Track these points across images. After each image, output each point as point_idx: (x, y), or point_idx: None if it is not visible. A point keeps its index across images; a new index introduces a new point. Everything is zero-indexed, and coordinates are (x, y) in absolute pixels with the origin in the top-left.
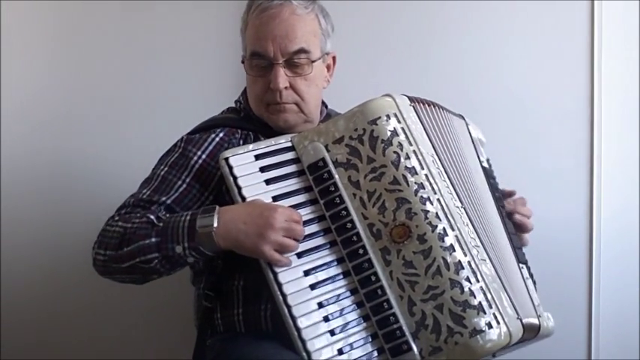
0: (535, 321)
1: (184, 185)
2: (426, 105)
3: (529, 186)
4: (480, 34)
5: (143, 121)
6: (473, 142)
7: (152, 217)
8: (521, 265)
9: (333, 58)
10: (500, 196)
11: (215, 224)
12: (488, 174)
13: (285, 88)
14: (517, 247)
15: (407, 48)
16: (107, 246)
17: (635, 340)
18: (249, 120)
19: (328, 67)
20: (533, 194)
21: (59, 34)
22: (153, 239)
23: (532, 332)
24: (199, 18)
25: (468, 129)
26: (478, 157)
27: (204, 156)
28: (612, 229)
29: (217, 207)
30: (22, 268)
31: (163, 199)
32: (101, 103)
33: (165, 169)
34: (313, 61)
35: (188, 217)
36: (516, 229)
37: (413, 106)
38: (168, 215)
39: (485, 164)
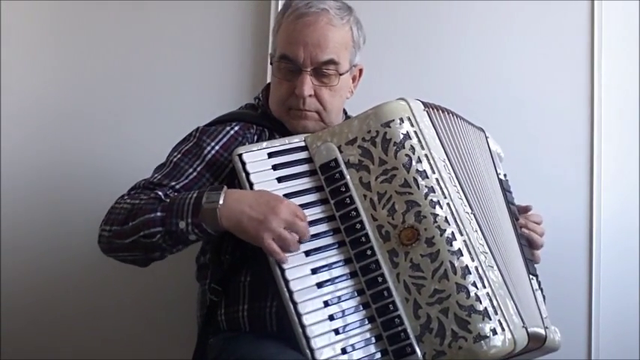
0: (542, 331)
1: (195, 173)
2: (440, 111)
3: (529, 186)
4: (480, 34)
5: (145, 122)
6: (491, 155)
7: (160, 193)
8: (531, 276)
9: (360, 70)
10: (515, 209)
11: (221, 201)
12: (504, 187)
13: (310, 95)
14: (528, 259)
15: (407, 49)
16: (113, 222)
17: (635, 340)
18: (266, 118)
19: (354, 78)
20: (533, 194)
21: (60, 34)
22: (158, 214)
23: (538, 342)
24: (203, 18)
25: (487, 142)
26: (495, 169)
27: (217, 147)
28: (612, 229)
29: (225, 187)
30: (22, 269)
31: (173, 183)
32: (103, 104)
33: (179, 156)
34: (341, 74)
35: (195, 194)
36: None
37: (427, 111)
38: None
39: (501, 177)
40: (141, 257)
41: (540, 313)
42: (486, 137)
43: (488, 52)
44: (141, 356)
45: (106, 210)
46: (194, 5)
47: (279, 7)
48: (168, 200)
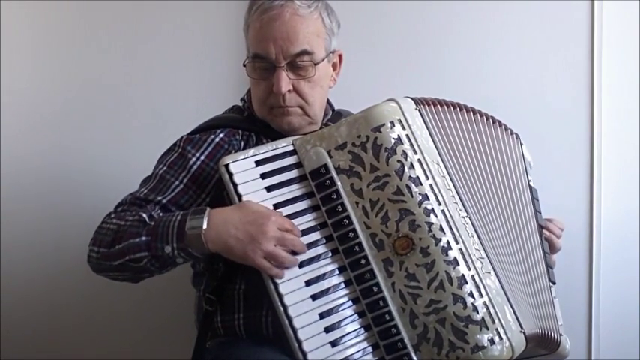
0: (556, 336)
1: (181, 186)
2: (432, 106)
3: None
4: (480, 33)
5: (144, 122)
6: (524, 161)
7: (144, 215)
8: (550, 283)
9: (340, 56)
10: (542, 218)
11: (204, 226)
12: (534, 195)
13: (289, 91)
14: (550, 267)
15: (407, 48)
16: (100, 243)
17: (635, 340)
18: (252, 120)
19: (335, 66)
20: None
21: (59, 34)
22: (143, 238)
23: (551, 348)
24: (201, 18)
25: (522, 149)
26: (527, 176)
27: (202, 157)
28: (612, 228)
29: (208, 209)
30: (22, 270)
31: (159, 198)
32: (101, 104)
33: (164, 168)
34: (317, 63)
35: (179, 218)
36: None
37: (418, 110)
38: (161, 215)
39: (532, 184)
40: (131, 277)
41: (557, 320)
42: (521, 144)
43: (488, 51)
44: (140, 356)
45: (105, 211)
46: (195, 5)
47: None
48: (152, 223)
